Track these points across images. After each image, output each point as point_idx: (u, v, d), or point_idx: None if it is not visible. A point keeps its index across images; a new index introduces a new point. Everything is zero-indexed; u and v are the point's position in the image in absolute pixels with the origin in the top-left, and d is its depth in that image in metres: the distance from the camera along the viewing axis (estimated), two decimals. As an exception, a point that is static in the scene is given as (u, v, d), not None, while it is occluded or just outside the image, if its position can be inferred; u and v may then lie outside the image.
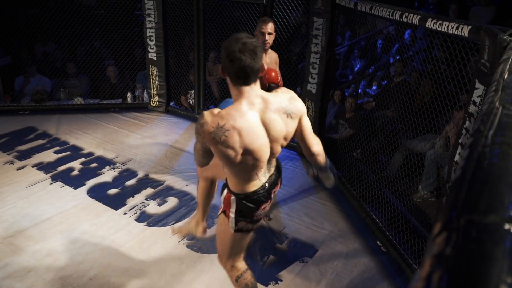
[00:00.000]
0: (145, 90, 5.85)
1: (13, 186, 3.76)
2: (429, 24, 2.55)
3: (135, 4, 5.93)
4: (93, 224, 3.29)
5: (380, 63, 5.61)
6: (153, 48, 5.38)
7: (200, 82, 5.31)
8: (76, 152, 4.47)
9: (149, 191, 3.80)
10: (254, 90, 1.73)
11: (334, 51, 4.31)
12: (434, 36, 2.77)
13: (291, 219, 3.49)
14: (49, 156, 4.35)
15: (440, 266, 0.38)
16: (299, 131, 1.92)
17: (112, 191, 3.77)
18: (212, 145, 1.74)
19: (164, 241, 3.14)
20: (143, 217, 3.42)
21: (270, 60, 3.32)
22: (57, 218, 3.34)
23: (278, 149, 1.88)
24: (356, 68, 6.09)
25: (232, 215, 1.99)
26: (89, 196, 3.68)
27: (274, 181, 2.01)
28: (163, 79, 5.53)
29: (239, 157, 1.76)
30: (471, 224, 0.42)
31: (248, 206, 1.95)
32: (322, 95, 4.31)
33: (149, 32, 5.31)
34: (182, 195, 3.76)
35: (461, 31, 2.27)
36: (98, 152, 4.48)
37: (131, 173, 4.08)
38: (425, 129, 3.26)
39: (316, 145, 2.00)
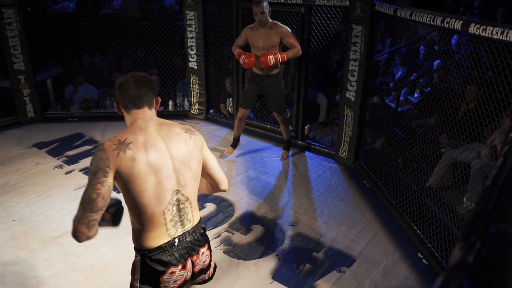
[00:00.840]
0: (185, 98, 6.01)
1: (62, 189, 3.96)
2: (472, 29, 2.47)
3: (177, 16, 6.13)
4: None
5: (423, 69, 5.46)
6: (193, 57, 5.52)
7: (239, 90, 5.38)
8: (120, 158, 4.65)
9: None
10: (145, 113, 1.69)
11: (374, 58, 4.25)
12: (478, 42, 2.68)
13: (328, 228, 3.46)
14: (95, 161, 4.54)
15: (462, 273, 0.38)
16: (204, 164, 1.80)
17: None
18: (116, 167, 1.55)
19: (202, 246, 3.20)
20: (182, 222, 3.50)
21: (273, 33, 3.97)
22: (101, 221, 3.48)
23: (187, 178, 1.69)
24: (397, 75, 5.97)
25: (136, 284, 1.68)
26: (131, 200, 3.81)
27: (192, 245, 1.74)
28: (203, 87, 5.66)
29: (144, 179, 1.58)
30: (497, 233, 0.42)
31: (152, 268, 1.66)
32: (362, 103, 4.26)
33: (190, 42, 5.46)
34: (219, 201, 3.82)
35: (507, 36, 2.18)
36: (141, 158, 4.63)
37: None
38: (470, 137, 3.14)
39: (219, 182, 1.89)
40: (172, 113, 5.97)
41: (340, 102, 4.53)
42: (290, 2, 4.51)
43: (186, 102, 6.02)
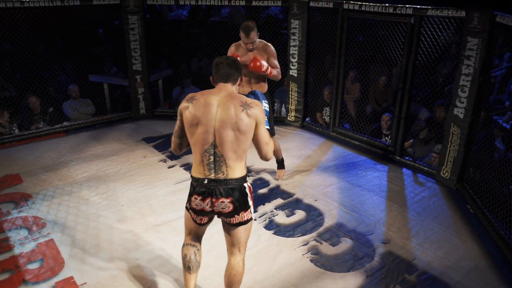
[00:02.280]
0: (283, 105, 6.11)
1: (164, 182, 4.28)
2: None
3: (281, 24, 6.26)
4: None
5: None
6: (294, 65, 5.60)
7: (338, 100, 5.33)
8: (217, 157, 4.89)
9: (279, 201, 3.95)
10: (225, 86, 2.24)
11: (490, 73, 3.91)
12: None
13: (423, 251, 3.25)
14: (194, 158, 4.84)
15: None
16: (254, 136, 2.21)
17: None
18: (183, 114, 2.19)
19: (289, 252, 3.22)
20: (271, 225, 3.56)
21: (262, 54, 3.87)
22: (197, 215, 3.70)
23: (225, 139, 2.13)
24: (515, 94, 5.41)
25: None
26: (225, 199, 3.98)
27: (215, 190, 2.20)
28: (301, 95, 5.71)
29: (190, 126, 2.16)
30: None
31: (191, 188, 2.29)
32: (471, 121, 3.94)
33: (292, 50, 5.55)
34: (310, 210, 3.81)
35: None
36: (236, 160, 4.81)
37: (263, 182, 4.29)
38: None
39: (261, 152, 2.30)
40: (269, 119, 6.09)
41: (446, 119, 4.25)
42: (399, 12, 4.36)
43: (283, 109, 6.12)
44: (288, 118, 5.92)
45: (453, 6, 4.00)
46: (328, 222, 3.62)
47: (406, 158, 4.79)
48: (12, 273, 2.96)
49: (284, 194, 4.07)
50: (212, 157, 2.17)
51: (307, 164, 4.73)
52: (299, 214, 3.74)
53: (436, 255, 3.21)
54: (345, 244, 3.33)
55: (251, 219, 2.35)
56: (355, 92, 5.84)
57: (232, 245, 2.39)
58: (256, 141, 2.25)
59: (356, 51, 5.63)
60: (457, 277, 2.97)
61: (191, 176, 2.28)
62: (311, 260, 3.13)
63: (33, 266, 3.04)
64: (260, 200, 3.96)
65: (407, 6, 4.31)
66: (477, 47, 3.76)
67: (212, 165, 2.18)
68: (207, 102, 2.16)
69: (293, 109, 5.86)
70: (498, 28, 3.65)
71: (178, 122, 2.27)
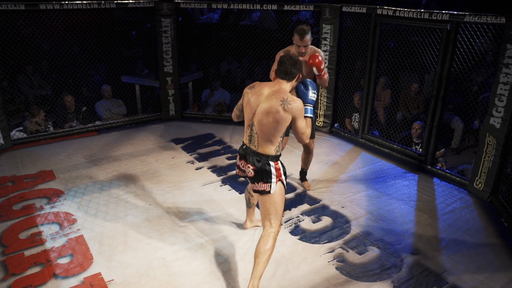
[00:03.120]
0: (311, 110, 6.06)
1: (191, 183, 4.32)
2: None
3: (312, 28, 6.23)
4: (252, 228, 3.55)
5: None
6: (324, 70, 5.55)
7: (368, 106, 5.25)
8: (244, 160, 4.90)
9: (305, 207, 3.91)
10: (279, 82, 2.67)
11: (529, 83, 3.77)
12: None
13: (454, 264, 3.15)
14: (222, 161, 4.86)
15: None
16: (292, 126, 2.66)
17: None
18: (244, 96, 2.73)
19: (315, 258, 3.19)
20: (297, 231, 3.53)
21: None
22: (223, 217, 3.71)
23: (259, 122, 2.61)
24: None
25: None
26: (251, 202, 3.98)
27: (246, 156, 2.72)
28: (331, 100, 5.66)
29: (245, 107, 2.70)
30: None
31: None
32: (508, 132, 3.80)
33: (323, 54, 5.50)
34: (336, 216, 3.76)
35: None
36: (263, 163, 4.81)
37: (290, 187, 4.27)
38: None
39: (297, 138, 2.73)
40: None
41: (481, 129, 4.11)
42: (435, 18, 4.26)
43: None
44: (317, 123, 5.88)
45: (491, 12, 3.88)
46: (355, 230, 3.56)
47: (438, 167, 4.66)
48: (43, 266, 3.05)
49: (311, 200, 4.03)
50: (250, 132, 2.70)
51: (335, 171, 4.67)
52: (326, 221, 3.70)
53: (467, 269, 3.10)
54: (372, 253, 3.27)
55: (269, 192, 2.69)
56: (386, 98, 5.74)
57: (263, 216, 2.78)
58: (294, 130, 2.69)
59: (388, 57, 5.54)
60: (490, 293, 2.87)
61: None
62: (336, 268, 3.08)
63: (63, 260, 3.12)
64: (286, 205, 3.93)
65: (444, 12, 4.21)
66: (517, 55, 3.63)
67: (250, 137, 2.71)
68: (260, 92, 2.64)
69: (322, 114, 5.81)
70: (540, 35, 3.52)
71: (241, 100, 2.80)
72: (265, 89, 2.63)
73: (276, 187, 2.69)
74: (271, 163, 2.68)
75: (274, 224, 2.73)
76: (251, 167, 2.69)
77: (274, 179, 2.68)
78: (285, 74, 2.63)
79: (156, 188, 4.21)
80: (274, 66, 3.81)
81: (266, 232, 2.71)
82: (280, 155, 2.74)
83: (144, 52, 6.96)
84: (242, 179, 4.40)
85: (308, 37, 3.61)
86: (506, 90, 3.74)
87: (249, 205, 3.40)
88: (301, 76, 2.70)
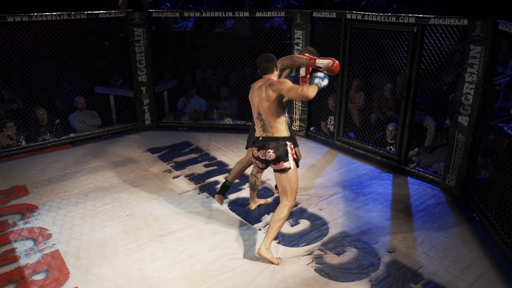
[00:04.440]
0: (287, 114, 6.11)
1: (169, 192, 4.30)
2: None
3: (285, 34, 6.31)
4: (231, 235, 3.55)
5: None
6: (298, 75, 5.62)
7: (342, 109, 5.34)
8: (222, 167, 4.90)
9: (270, 218, 3.93)
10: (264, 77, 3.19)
11: (493, 81, 3.91)
12: None
13: (429, 259, 3.23)
14: (199, 169, 4.86)
15: None
16: (289, 95, 2.99)
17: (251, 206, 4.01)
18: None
19: (294, 261, 3.21)
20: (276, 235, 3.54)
21: None
22: (201, 225, 3.70)
23: (263, 109, 3.08)
24: (521, 101, 5.38)
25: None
26: (230, 208, 3.99)
27: (265, 144, 3.11)
28: (305, 104, 5.73)
29: (251, 101, 3.21)
30: None
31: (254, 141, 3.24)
32: (475, 129, 3.93)
33: (296, 60, 5.57)
34: (314, 219, 3.80)
35: None
36: (241, 169, 4.82)
37: (268, 192, 4.29)
38: None
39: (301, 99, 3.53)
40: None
41: (451, 127, 4.24)
42: (402, 21, 4.38)
43: (287, 118, 6.12)
44: (293, 128, 5.93)
45: (456, 15, 4.02)
46: (333, 231, 3.61)
47: (412, 165, 4.77)
48: (17, 284, 2.98)
49: (289, 204, 4.06)
50: (261, 122, 3.14)
51: (311, 174, 4.72)
52: (304, 224, 3.73)
53: (442, 264, 3.18)
54: (350, 253, 3.31)
55: (289, 169, 3.10)
56: (359, 101, 5.85)
57: (281, 192, 3.19)
58: (286, 95, 2.98)
59: (360, 60, 5.65)
60: (464, 286, 2.94)
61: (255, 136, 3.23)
62: (315, 270, 3.11)
63: (39, 277, 3.05)
64: (264, 210, 3.95)
65: (410, 15, 4.34)
66: (480, 55, 3.76)
67: (262, 127, 3.13)
68: (254, 88, 3.18)
69: (297, 119, 5.87)
70: (501, 35, 3.66)
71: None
72: (258, 84, 3.17)
73: (292, 164, 3.11)
74: (288, 143, 3.11)
75: (290, 199, 3.17)
76: (272, 151, 3.08)
77: (290, 157, 3.10)
78: (264, 70, 3.16)
79: (132, 198, 4.17)
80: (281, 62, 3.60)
81: (283, 204, 3.18)
82: (290, 135, 3.17)
83: (117, 62, 6.90)
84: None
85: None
86: (472, 89, 3.87)
87: (254, 188, 3.79)
88: (283, 65, 3.36)
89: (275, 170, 3.17)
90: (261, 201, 4.05)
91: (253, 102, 3.19)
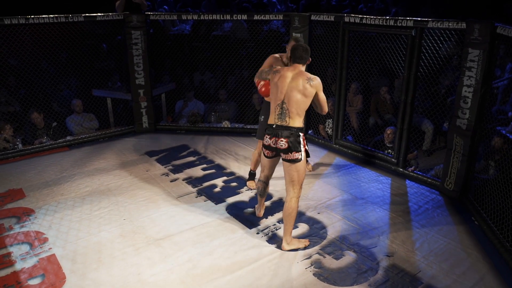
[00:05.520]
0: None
1: (166, 195, 4.27)
2: None
3: (283, 37, 6.31)
4: (229, 238, 3.53)
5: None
6: (296, 78, 5.60)
7: (340, 112, 5.33)
8: (220, 170, 4.88)
9: (282, 214, 3.91)
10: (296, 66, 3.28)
11: (491, 84, 3.91)
12: None
13: (428, 264, 3.21)
14: (197, 172, 4.83)
15: None
16: (315, 98, 3.23)
17: (248, 210, 3.99)
18: (271, 73, 3.34)
19: (292, 265, 3.19)
20: (274, 239, 3.53)
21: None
22: (199, 228, 3.68)
23: (290, 99, 3.14)
24: (518, 104, 5.38)
25: (263, 133, 3.37)
26: (228, 212, 3.96)
27: (279, 132, 3.18)
28: (303, 107, 5.70)
29: (274, 86, 3.24)
30: None
31: (266, 130, 3.30)
32: (474, 132, 3.93)
33: (294, 63, 5.56)
34: (312, 222, 3.78)
35: None
36: (239, 173, 4.81)
37: (266, 196, 4.27)
38: None
39: (321, 109, 3.33)
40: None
41: (449, 130, 4.23)
42: (400, 24, 4.38)
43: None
44: (291, 131, 5.91)
45: (454, 18, 4.02)
46: (331, 235, 3.59)
47: (409, 169, 4.76)
48: (13, 288, 2.94)
49: (287, 207, 4.04)
50: (281, 110, 3.18)
51: (310, 177, 4.71)
52: (302, 227, 3.71)
53: (441, 268, 3.17)
54: (349, 257, 3.30)
55: (300, 159, 3.18)
56: (357, 104, 5.84)
57: (288, 182, 3.25)
58: (317, 101, 3.24)
59: (358, 63, 5.65)
60: (463, 291, 2.93)
61: (267, 124, 3.30)
62: (314, 274, 3.09)
63: (34, 281, 3.02)
64: (265, 212, 3.93)
65: (408, 18, 4.34)
66: (478, 59, 3.76)
67: (280, 116, 3.18)
68: (285, 75, 3.20)
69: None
70: (499, 39, 3.66)
71: (264, 69, 3.56)
72: (288, 73, 3.20)
73: (303, 155, 3.18)
74: (300, 134, 3.18)
75: (296, 189, 3.24)
76: (284, 140, 3.15)
77: (302, 148, 3.18)
78: (300, 59, 3.22)
79: (130, 202, 4.14)
80: (263, 66, 3.94)
81: (289, 196, 3.26)
82: (303, 127, 3.24)
83: (115, 64, 6.88)
84: (218, 189, 4.39)
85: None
86: (470, 93, 3.87)
87: (263, 194, 3.73)
88: (310, 60, 3.35)
89: (284, 159, 3.22)
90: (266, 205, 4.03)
91: (279, 88, 3.18)
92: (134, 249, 3.39)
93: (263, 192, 3.68)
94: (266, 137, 3.25)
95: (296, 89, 3.13)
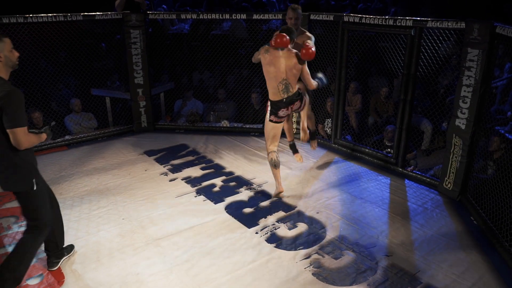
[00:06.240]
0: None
1: (165, 195, 4.27)
2: None
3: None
4: (228, 238, 3.53)
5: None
6: (295, 78, 5.60)
7: (339, 111, 5.33)
8: (219, 170, 4.88)
9: (281, 214, 3.92)
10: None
11: (490, 84, 3.91)
12: None
13: (427, 263, 3.21)
14: (196, 171, 4.83)
15: None
16: (302, 73, 3.86)
17: (247, 210, 3.99)
18: (262, 54, 3.84)
19: (291, 265, 3.19)
20: (273, 239, 3.53)
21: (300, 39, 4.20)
22: (198, 228, 3.67)
23: (289, 74, 3.79)
24: (517, 104, 5.38)
25: (268, 111, 3.98)
26: (226, 212, 3.96)
27: (291, 101, 3.88)
28: (303, 107, 5.70)
29: (270, 66, 3.80)
30: None
31: (274, 107, 3.92)
32: (473, 132, 3.93)
33: (293, 62, 5.55)
34: (312, 222, 3.78)
35: None
36: (238, 172, 4.80)
37: (265, 195, 4.27)
38: None
39: (307, 83, 4.00)
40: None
41: (448, 130, 4.23)
42: (399, 24, 4.38)
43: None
44: (290, 130, 5.90)
45: (454, 18, 4.02)
46: (330, 234, 3.59)
47: (408, 169, 4.76)
48: (11, 288, 2.93)
49: (286, 207, 4.04)
50: (284, 85, 3.83)
51: (309, 176, 4.71)
52: (301, 227, 3.71)
53: (440, 267, 3.17)
54: (348, 257, 3.30)
55: (305, 101, 4.09)
56: (357, 103, 5.84)
57: (304, 116, 4.44)
58: (303, 76, 3.87)
59: (357, 62, 5.64)
60: (462, 291, 2.93)
61: (272, 101, 3.91)
62: (313, 274, 3.09)
63: (33, 281, 3.01)
64: (261, 213, 3.93)
65: (407, 18, 4.33)
66: (478, 58, 3.76)
67: (285, 90, 3.84)
68: (277, 55, 3.77)
69: (294, 121, 5.85)
70: (498, 39, 3.66)
71: (259, 53, 3.90)
72: (279, 53, 3.77)
73: (306, 96, 4.16)
74: (299, 91, 3.97)
75: (308, 109, 4.39)
76: (297, 102, 3.94)
77: (302, 94, 4.01)
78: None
79: (129, 201, 4.13)
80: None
81: (305, 110, 4.30)
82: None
83: (114, 64, 6.86)
84: (217, 189, 4.39)
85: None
86: (469, 92, 3.87)
87: (277, 165, 4.09)
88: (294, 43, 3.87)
89: (296, 111, 4.13)
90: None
91: (277, 67, 3.77)
92: (133, 249, 3.38)
93: (278, 161, 4.08)
94: (282, 110, 3.88)
95: (291, 66, 3.77)
